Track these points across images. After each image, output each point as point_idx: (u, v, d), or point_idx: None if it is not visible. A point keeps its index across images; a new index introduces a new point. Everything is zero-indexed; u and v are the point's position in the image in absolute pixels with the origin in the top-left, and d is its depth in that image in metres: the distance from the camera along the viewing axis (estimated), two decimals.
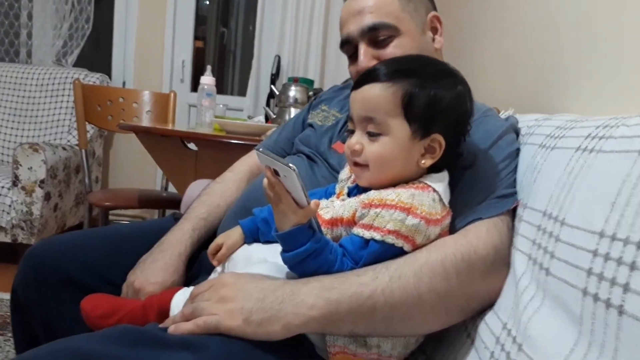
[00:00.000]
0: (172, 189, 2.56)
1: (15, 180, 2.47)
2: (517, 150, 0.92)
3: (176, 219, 1.14)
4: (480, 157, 0.88)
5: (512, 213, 0.84)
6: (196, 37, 3.49)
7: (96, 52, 3.45)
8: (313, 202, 0.72)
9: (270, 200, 0.75)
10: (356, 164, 0.81)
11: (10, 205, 2.47)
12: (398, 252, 0.75)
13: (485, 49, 1.70)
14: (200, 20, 3.60)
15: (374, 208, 0.74)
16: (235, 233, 0.90)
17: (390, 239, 0.73)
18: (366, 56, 0.98)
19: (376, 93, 0.78)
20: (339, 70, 3.03)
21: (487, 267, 0.77)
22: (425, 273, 0.72)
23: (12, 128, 3.02)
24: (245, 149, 1.45)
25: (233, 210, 1.07)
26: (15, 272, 1.00)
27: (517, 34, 1.53)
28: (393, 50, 0.97)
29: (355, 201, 0.79)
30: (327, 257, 0.73)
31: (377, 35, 0.97)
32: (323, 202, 0.86)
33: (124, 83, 3.34)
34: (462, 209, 0.83)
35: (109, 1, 3.34)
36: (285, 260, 0.74)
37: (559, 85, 1.22)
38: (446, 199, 0.79)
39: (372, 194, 0.77)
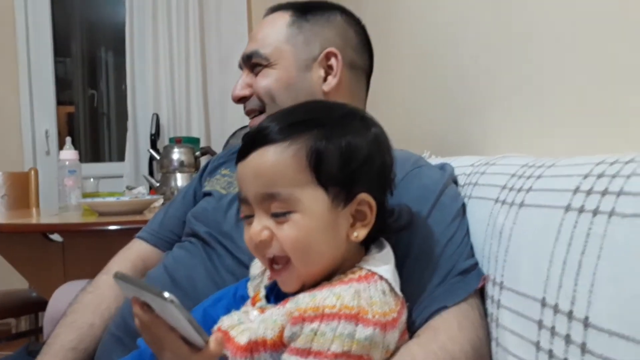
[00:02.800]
0: None
1: None
2: (464, 207, 0.75)
3: (31, 352, 0.84)
4: (423, 219, 0.70)
5: (479, 291, 0.66)
6: (63, 102, 3.16)
7: None
8: (213, 338, 0.49)
9: (151, 344, 0.50)
10: (273, 263, 0.58)
11: None
12: None
13: (389, 83, 1.58)
14: (63, 83, 3.26)
15: (308, 323, 0.52)
16: None
17: None
18: (240, 83, 0.91)
19: (271, 160, 0.57)
20: (226, 123, 2.83)
21: None
22: None
23: None
24: (125, 235, 1.17)
25: (111, 330, 0.80)
26: None
27: (425, 66, 1.43)
28: (260, 79, 0.88)
29: (280, 313, 0.56)
30: None
31: (252, 64, 0.89)
32: (234, 317, 0.62)
33: None
34: (417, 295, 0.64)
35: None
36: None
37: (476, 123, 1.11)
38: (397, 285, 0.58)
39: (303, 301, 0.54)
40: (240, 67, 0.92)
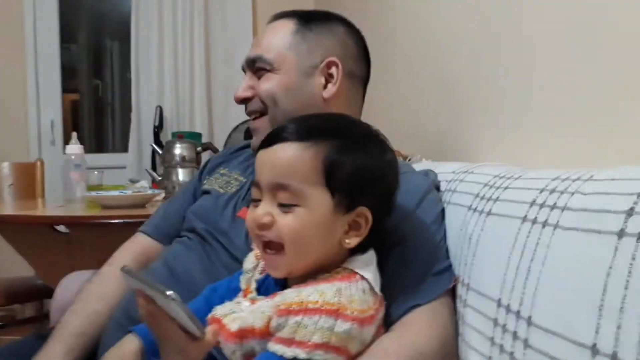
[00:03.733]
0: None
1: None
2: (443, 212, 0.81)
3: (41, 337, 0.91)
4: (405, 223, 0.76)
5: (452, 291, 0.72)
6: (68, 90, 3.19)
7: None
8: (210, 329, 0.56)
9: (153, 331, 0.57)
10: (267, 247, 0.65)
11: None
12: None
13: (387, 87, 1.64)
14: (69, 72, 3.29)
15: (293, 315, 0.59)
16: (127, 347, 0.70)
17: (318, 356, 0.58)
18: (244, 85, 0.94)
19: (291, 154, 0.63)
20: (229, 117, 2.86)
21: None
22: None
23: None
24: (128, 228, 1.24)
25: (116, 318, 0.86)
26: None
27: (422, 72, 1.49)
28: (263, 82, 0.92)
29: (268, 305, 0.62)
30: None
31: (255, 67, 0.93)
32: (226, 307, 0.69)
33: None
34: (394, 292, 0.69)
35: None
36: None
37: (467, 129, 1.17)
38: (377, 285, 0.65)
39: (289, 296, 0.61)
40: (244, 69, 0.96)
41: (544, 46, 0.88)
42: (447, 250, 0.76)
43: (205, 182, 1.03)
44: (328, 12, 0.98)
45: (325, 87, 0.92)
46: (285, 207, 0.63)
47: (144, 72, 2.93)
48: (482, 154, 1.08)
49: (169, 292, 0.51)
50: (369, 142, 0.68)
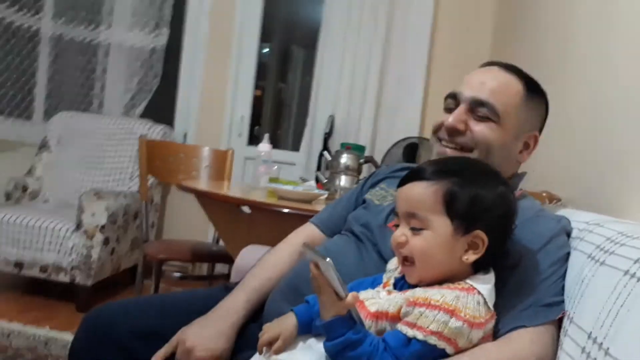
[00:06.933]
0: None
1: (79, 225, 2.64)
2: (568, 254, 0.92)
3: (227, 288, 1.19)
4: (529, 259, 0.90)
5: (558, 322, 0.84)
6: (255, 87, 3.58)
7: (162, 104, 3.60)
8: (350, 295, 0.77)
9: (315, 290, 0.80)
10: (405, 260, 0.84)
11: (72, 248, 2.62)
12: (440, 354, 0.77)
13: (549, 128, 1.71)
14: (260, 72, 3.65)
15: (418, 307, 0.77)
16: (289, 324, 0.88)
17: (432, 340, 0.75)
18: (457, 117, 1.02)
19: (418, 191, 0.84)
20: (391, 134, 3.06)
21: None
22: None
23: (80, 172, 3.19)
24: (295, 217, 1.49)
25: (281, 286, 1.10)
26: (70, 312, 1.06)
27: (579, 123, 1.51)
28: (482, 129, 1.01)
29: (401, 297, 0.81)
30: (366, 350, 0.77)
31: (479, 110, 1.01)
32: (369, 293, 0.89)
33: (185, 134, 3.50)
34: (506, 313, 0.84)
35: (176, 55, 3.51)
36: (326, 349, 0.79)
37: (619, 180, 1.21)
38: (491, 301, 0.81)
39: (418, 292, 0.80)
40: (453, 97, 1.05)
41: None
42: (562, 288, 0.88)
43: (367, 193, 1.25)
44: (540, 86, 1.08)
45: (520, 152, 1.06)
46: (415, 230, 0.83)
47: (323, 81, 3.24)
48: (630, 209, 1.13)
49: (327, 259, 0.73)
50: (484, 178, 0.85)
